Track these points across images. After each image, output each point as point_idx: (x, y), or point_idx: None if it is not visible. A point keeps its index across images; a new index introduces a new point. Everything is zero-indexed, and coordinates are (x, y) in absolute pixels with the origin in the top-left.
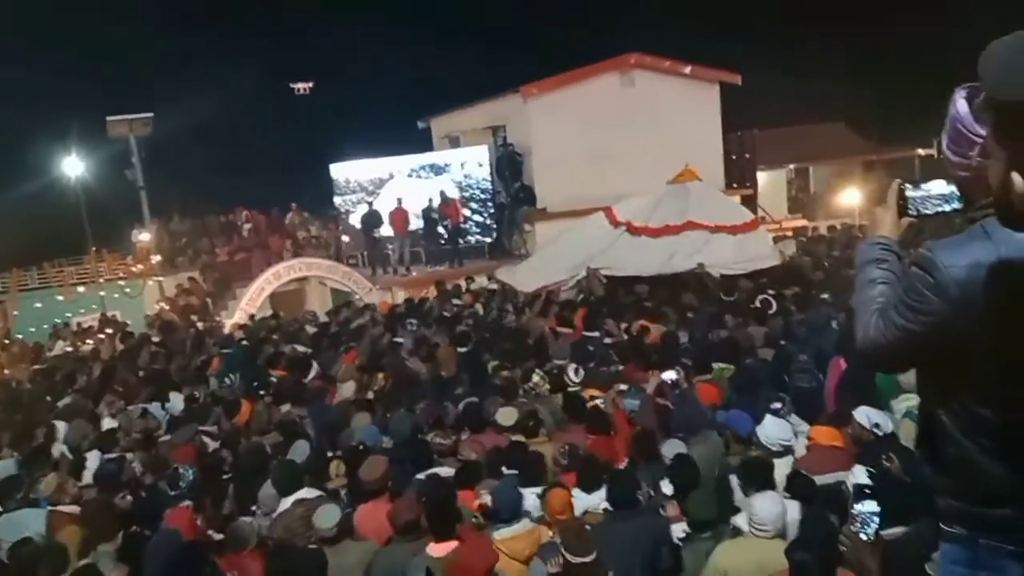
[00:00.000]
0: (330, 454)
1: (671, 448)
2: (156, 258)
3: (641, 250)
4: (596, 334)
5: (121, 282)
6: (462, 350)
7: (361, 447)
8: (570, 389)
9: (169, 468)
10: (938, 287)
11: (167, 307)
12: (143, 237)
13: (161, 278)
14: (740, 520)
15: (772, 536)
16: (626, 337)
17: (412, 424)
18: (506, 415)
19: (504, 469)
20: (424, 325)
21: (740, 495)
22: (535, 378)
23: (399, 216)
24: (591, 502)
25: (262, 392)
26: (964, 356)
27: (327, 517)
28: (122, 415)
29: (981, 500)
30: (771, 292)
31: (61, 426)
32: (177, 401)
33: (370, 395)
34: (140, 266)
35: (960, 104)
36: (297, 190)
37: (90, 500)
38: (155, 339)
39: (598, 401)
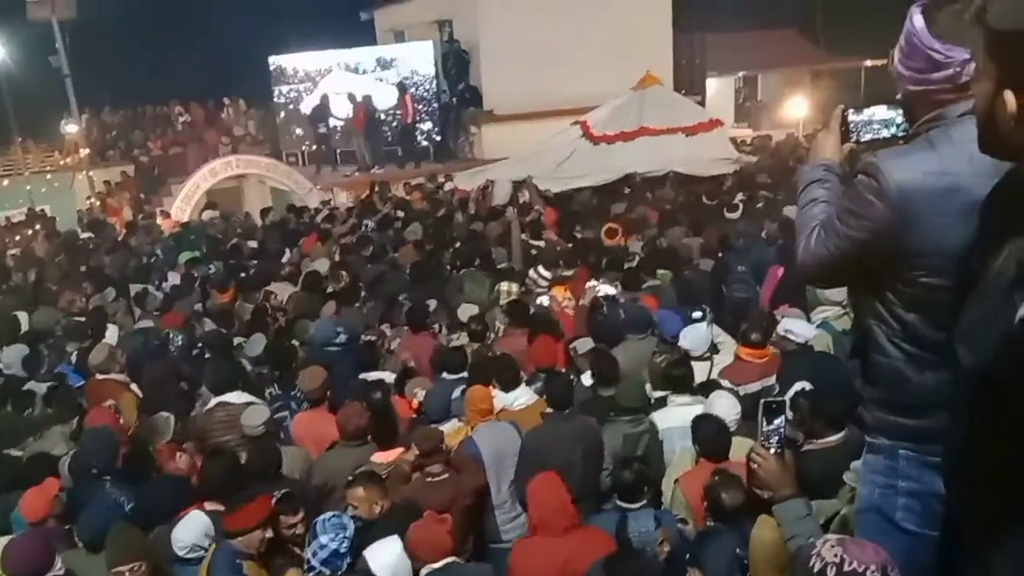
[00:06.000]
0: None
1: (583, 345)
2: (85, 151)
3: (596, 159)
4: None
5: (49, 175)
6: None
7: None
8: (539, 289)
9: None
10: (881, 191)
11: (98, 203)
12: (71, 128)
13: (91, 172)
14: (656, 416)
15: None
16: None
17: (362, 322)
18: (466, 311)
19: (444, 373)
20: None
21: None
22: (503, 286)
23: (359, 111)
24: (507, 400)
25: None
26: (898, 262)
27: (255, 416)
28: (99, 296)
29: (904, 409)
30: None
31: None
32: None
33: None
34: (68, 159)
35: (916, 19)
36: (234, 82)
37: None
38: (84, 235)
39: (543, 299)
